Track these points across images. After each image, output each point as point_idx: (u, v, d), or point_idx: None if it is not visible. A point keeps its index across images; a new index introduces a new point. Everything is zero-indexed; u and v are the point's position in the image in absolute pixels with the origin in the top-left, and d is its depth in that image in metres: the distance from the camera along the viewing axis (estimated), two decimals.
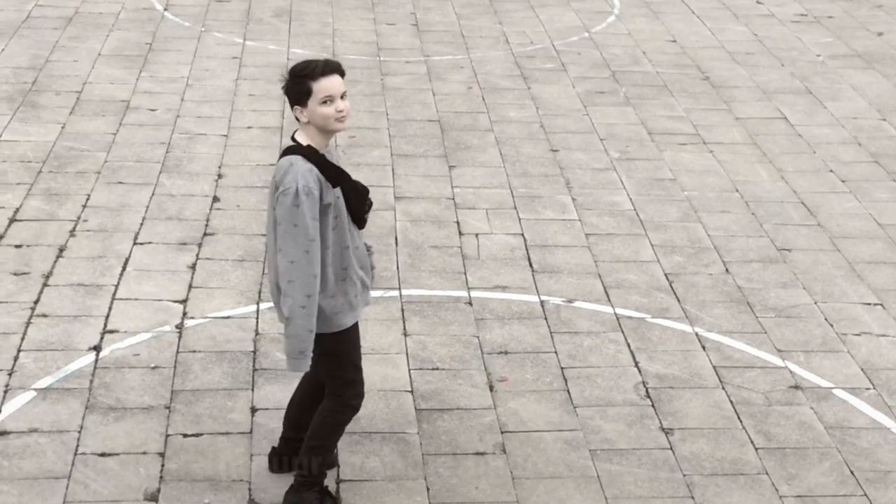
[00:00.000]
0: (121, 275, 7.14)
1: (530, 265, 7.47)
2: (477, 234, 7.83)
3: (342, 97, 4.69)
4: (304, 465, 5.16)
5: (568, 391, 6.21)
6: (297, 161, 4.69)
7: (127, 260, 7.31)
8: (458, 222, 7.98)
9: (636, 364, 6.48)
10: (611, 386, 6.27)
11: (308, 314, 4.71)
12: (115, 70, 10.43)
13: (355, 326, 5.00)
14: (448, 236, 7.79)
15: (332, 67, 4.69)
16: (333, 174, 4.77)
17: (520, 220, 8.06)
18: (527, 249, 7.66)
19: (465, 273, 7.34)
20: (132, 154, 8.80)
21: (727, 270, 7.52)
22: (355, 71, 10.64)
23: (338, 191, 4.79)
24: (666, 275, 7.43)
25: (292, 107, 4.74)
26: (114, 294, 6.92)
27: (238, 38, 11.42)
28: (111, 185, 8.28)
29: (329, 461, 5.38)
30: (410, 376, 6.26)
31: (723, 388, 6.30)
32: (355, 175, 8.55)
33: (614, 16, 12.59)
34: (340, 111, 4.68)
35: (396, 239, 7.72)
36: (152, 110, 9.62)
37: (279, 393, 6.02)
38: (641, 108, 10.13)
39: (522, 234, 7.86)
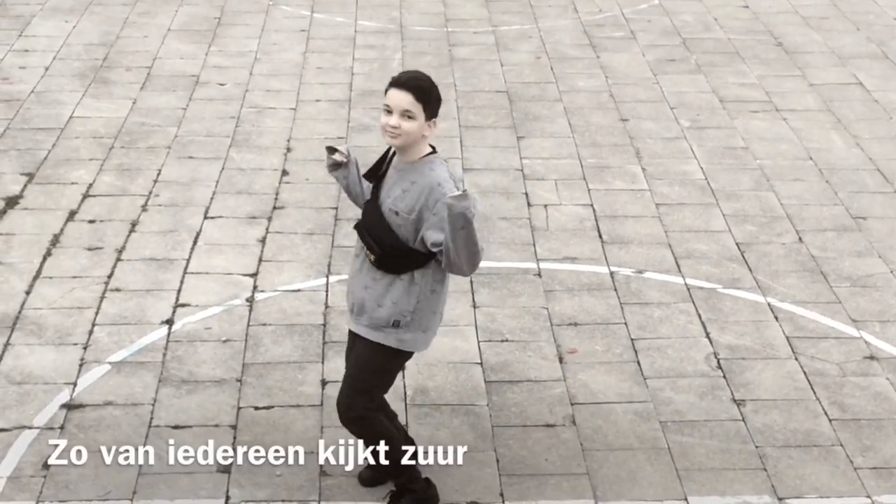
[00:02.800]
0: (192, 249, 7.22)
1: (600, 236, 7.44)
2: (546, 206, 7.81)
3: (402, 115, 4.56)
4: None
5: (638, 362, 6.19)
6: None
7: (198, 234, 7.39)
8: (526, 193, 7.97)
9: (707, 335, 6.44)
10: (681, 357, 6.24)
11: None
12: (184, 45, 10.52)
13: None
14: (517, 208, 7.77)
15: (407, 85, 4.58)
16: (373, 169, 4.77)
17: (589, 190, 8.02)
18: (596, 220, 7.63)
19: (534, 244, 7.33)
20: (202, 129, 8.88)
21: (800, 239, 7.43)
22: (423, 42, 10.63)
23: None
24: (737, 244, 7.36)
25: None
26: (185, 268, 7.01)
27: (306, 10, 11.45)
28: (182, 160, 8.36)
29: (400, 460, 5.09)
30: (480, 348, 6.28)
31: (796, 359, 6.24)
32: None
33: None
34: (392, 126, 4.58)
35: None
36: (221, 85, 9.70)
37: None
38: (713, 76, 10.02)
39: (592, 205, 7.82)
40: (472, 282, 6.89)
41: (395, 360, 4.87)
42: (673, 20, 11.34)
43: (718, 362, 6.21)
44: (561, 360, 6.21)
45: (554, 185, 8.09)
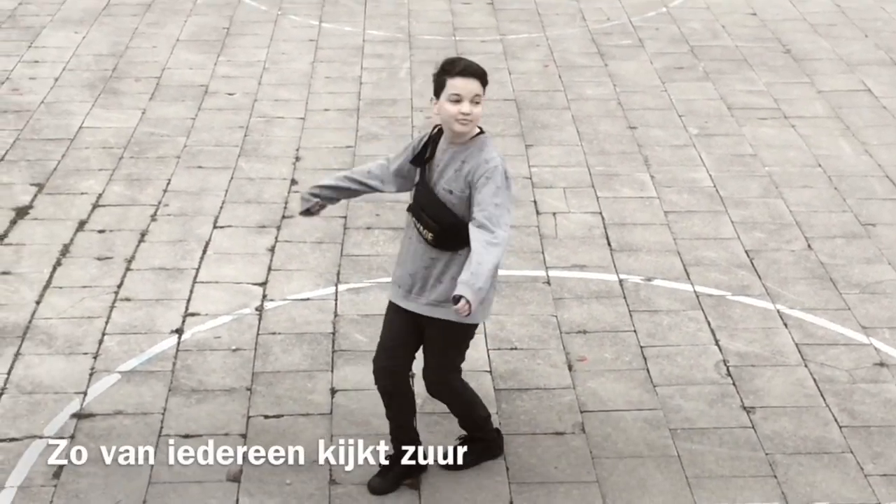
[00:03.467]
0: (201, 258, 7.23)
1: (608, 244, 7.44)
2: (554, 213, 7.81)
3: (473, 101, 4.75)
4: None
5: (647, 370, 6.19)
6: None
7: (207, 243, 7.40)
8: (535, 201, 7.97)
9: (717, 342, 6.43)
10: (691, 364, 6.24)
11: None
12: (193, 55, 10.55)
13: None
14: (525, 216, 7.78)
15: (472, 71, 4.76)
16: (420, 156, 4.97)
17: (598, 198, 8.02)
18: (605, 228, 7.63)
19: (542, 252, 7.33)
20: (211, 138, 8.89)
21: (809, 246, 7.43)
22: (431, 51, 10.64)
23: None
24: (746, 252, 7.35)
25: (431, 97, 4.88)
26: (195, 277, 7.02)
27: (314, 20, 11.48)
28: (191, 170, 8.38)
29: (481, 416, 5.38)
30: (489, 356, 6.28)
31: (805, 366, 6.23)
32: None
33: None
34: (465, 114, 4.75)
35: None
36: (230, 94, 9.72)
37: (358, 374, 6.07)
38: (721, 83, 10.02)
39: (600, 213, 7.82)
40: None
41: (463, 332, 5.06)
42: (681, 28, 11.35)
43: (728, 369, 6.20)
44: (570, 367, 6.20)
45: (562, 192, 8.09)
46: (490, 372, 6.14)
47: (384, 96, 9.64)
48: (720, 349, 6.37)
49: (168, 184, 8.17)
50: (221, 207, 7.85)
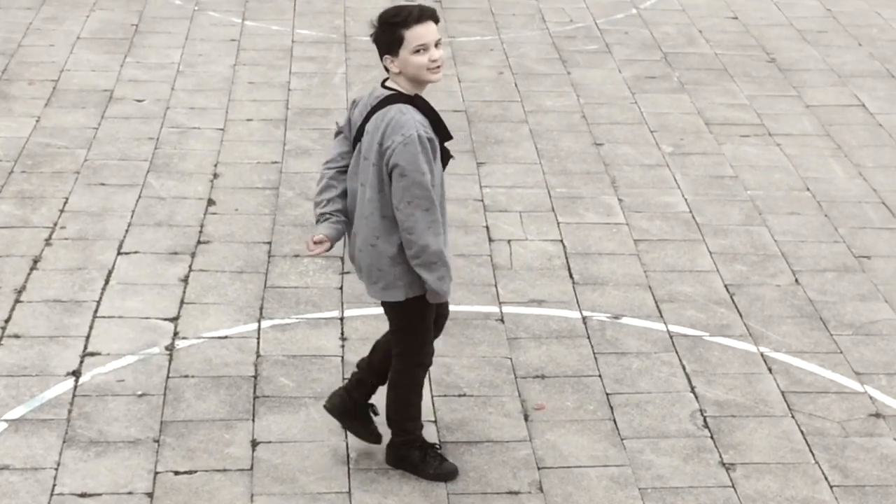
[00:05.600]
0: (103, 289, 7.17)
1: (570, 276, 7.46)
2: (509, 241, 7.83)
3: (437, 45, 5.04)
4: (401, 430, 5.71)
5: (614, 421, 6.20)
6: (409, 110, 5.07)
7: (110, 272, 7.34)
8: (487, 227, 7.98)
9: (692, 389, 6.46)
10: (663, 415, 6.26)
11: (446, 254, 5.19)
12: (96, 55, 10.48)
13: None
14: (476, 243, 7.78)
15: (428, 14, 5.04)
16: (444, 126, 5.19)
17: (558, 224, 8.05)
18: (566, 258, 7.66)
19: (495, 285, 7.34)
20: (116, 151, 8.84)
21: (797, 281, 7.49)
22: (369, 55, 10.65)
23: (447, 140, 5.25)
24: (726, 286, 7.40)
25: (381, 56, 5.08)
26: (95, 311, 6.95)
27: (236, 17, 11.46)
28: (92, 187, 8.32)
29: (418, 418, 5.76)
30: (433, 404, 6.26)
31: (792, 417, 6.27)
32: None
33: None
34: (434, 60, 5.05)
35: None
36: (139, 101, 9.66)
37: (283, 423, 6.03)
38: (698, 95, 10.11)
39: (562, 241, 7.85)
40: None
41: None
42: (653, 32, 11.45)
43: (705, 420, 6.23)
44: (526, 417, 6.20)
45: (518, 217, 8.12)
46: (435, 422, 6.13)
47: (316, 105, 9.63)
48: (696, 397, 6.40)
49: (65, 203, 8.10)
50: (127, 231, 7.79)
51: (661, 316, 7.09)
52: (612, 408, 6.30)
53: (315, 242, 5.25)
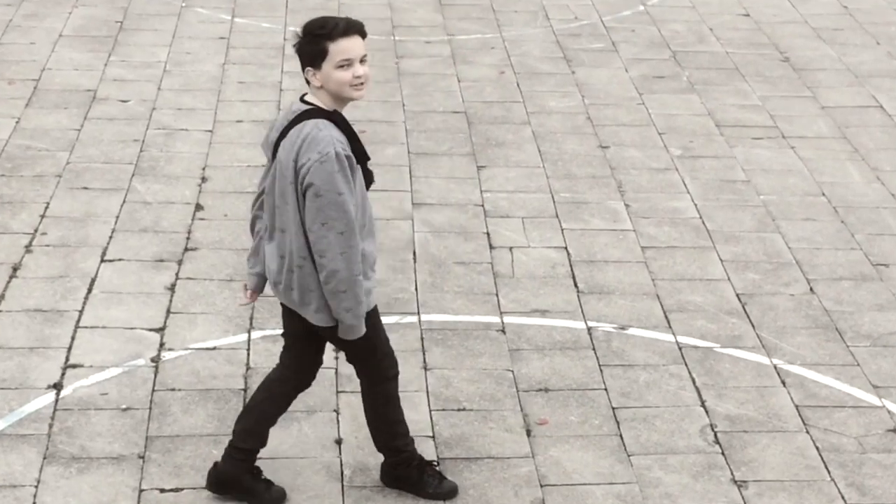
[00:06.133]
0: (86, 298, 7.17)
1: (575, 285, 7.47)
2: (511, 248, 7.84)
3: (362, 61, 5.00)
4: (391, 450, 5.68)
5: (620, 436, 6.20)
6: (327, 126, 5.00)
7: (93, 280, 7.34)
8: (488, 233, 7.99)
9: (703, 403, 6.46)
10: (672, 430, 6.26)
11: (361, 284, 5.10)
12: (79, 54, 10.49)
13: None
14: (476, 250, 7.79)
15: (355, 28, 5.01)
16: (361, 147, 5.11)
17: (562, 230, 8.06)
18: (571, 266, 7.66)
19: (496, 294, 7.35)
20: (99, 154, 8.84)
21: (812, 290, 7.50)
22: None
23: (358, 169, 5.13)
24: (738, 295, 7.41)
25: (304, 68, 5.06)
26: (77, 321, 6.95)
27: (225, 14, 11.47)
28: (74, 191, 8.32)
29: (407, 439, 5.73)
30: (431, 418, 6.26)
31: (807, 432, 6.27)
32: None
33: None
34: (359, 77, 5.00)
35: (415, 254, 7.73)
36: (124, 101, 9.67)
37: (274, 438, 6.03)
38: (708, 96, 10.12)
39: (566, 248, 7.86)
40: (422, 339, 6.89)
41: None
42: (661, 30, 11.46)
43: (716, 436, 6.23)
44: (529, 432, 6.21)
45: (521, 223, 8.12)
46: (433, 437, 6.13)
47: None
48: (707, 412, 6.40)
49: (46, 208, 8.10)
50: (111, 237, 7.80)
51: (670, 326, 7.09)
52: (618, 422, 6.30)
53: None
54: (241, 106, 9.67)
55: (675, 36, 11.34)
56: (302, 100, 5.12)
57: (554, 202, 8.40)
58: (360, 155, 5.09)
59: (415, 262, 7.65)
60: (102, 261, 7.55)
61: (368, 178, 5.21)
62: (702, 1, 12.20)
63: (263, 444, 5.60)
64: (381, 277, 7.37)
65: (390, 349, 5.49)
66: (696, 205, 8.42)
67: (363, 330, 5.18)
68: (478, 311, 7.18)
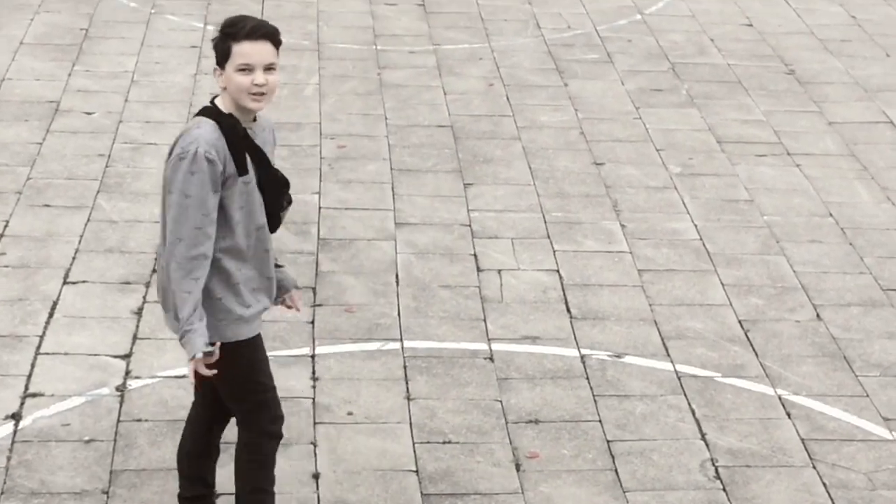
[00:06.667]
0: (47, 323, 7.15)
1: (567, 310, 7.47)
2: (500, 271, 7.84)
3: (267, 69, 4.92)
4: None
5: (616, 471, 6.19)
6: (206, 125, 4.93)
7: (55, 304, 7.32)
8: (475, 255, 7.99)
9: (703, 436, 6.46)
10: (671, 464, 6.25)
11: (189, 301, 4.91)
12: (41, 63, 10.48)
13: (258, 337, 5.20)
14: (463, 273, 7.79)
15: (262, 32, 4.93)
16: (242, 160, 4.95)
17: (554, 252, 8.06)
18: (563, 290, 7.66)
19: (484, 320, 7.34)
20: (62, 169, 8.83)
21: (818, 316, 7.51)
22: (345, 63, 10.68)
23: (250, 175, 4.98)
24: (740, 322, 7.41)
25: (215, 66, 5.01)
26: (38, 347, 6.93)
27: (198, 21, 11.47)
28: (35, 209, 8.30)
29: None
30: (415, 452, 6.25)
31: (813, 467, 6.27)
32: (343, 194, 8.57)
33: None
34: (258, 86, 4.91)
35: (397, 277, 7.72)
36: (88, 114, 9.66)
37: None
38: (709, 111, 10.14)
39: (558, 271, 7.86)
40: (405, 367, 6.87)
41: None
42: (659, 40, 11.49)
43: (717, 471, 6.23)
44: (518, 467, 6.20)
45: (510, 244, 8.12)
46: (416, 472, 6.11)
47: (286, 119, 9.64)
48: (707, 445, 6.40)
49: (5, 227, 8.09)
50: (74, 258, 7.78)
51: (668, 354, 7.09)
52: (613, 456, 6.29)
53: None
54: None
55: (674, 47, 11.36)
56: (211, 101, 5.08)
57: (545, 222, 8.40)
58: (240, 167, 4.95)
59: (397, 285, 7.64)
60: (65, 283, 7.53)
61: (274, 198, 5.07)
62: (702, 10, 12.24)
63: (209, 486, 5.51)
64: (361, 301, 7.37)
65: (272, 401, 5.24)
66: (695, 225, 8.43)
67: (192, 352, 4.91)
68: (464, 338, 7.17)
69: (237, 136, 4.96)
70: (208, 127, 4.93)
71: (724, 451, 6.36)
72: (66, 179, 8.70)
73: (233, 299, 5.04)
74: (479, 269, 7.84)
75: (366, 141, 9.42)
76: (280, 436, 5.29)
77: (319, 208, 8.41)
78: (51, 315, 7.23)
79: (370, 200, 8.58)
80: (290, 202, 5.18)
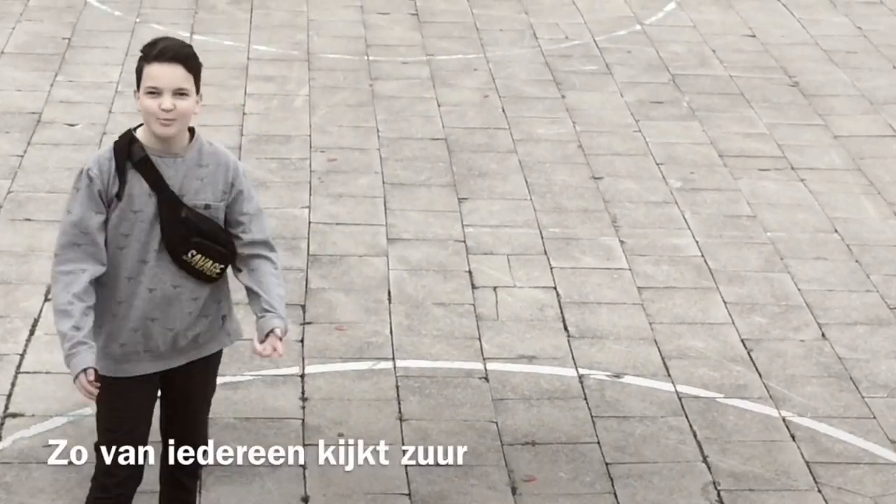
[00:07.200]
0: (28, 341, 7.13)
1: (565, 328, 7.46)
2: (495, 288, 7.83)
3: (177, 94, 4.89)
4: None
5: (615, 494, 6.19)
6: (109, 145, 4.96)
7: (36, 321, 7.31)
8: (470, 272, 7.98)
9: (705, 459, 6.45)
10: (671, 488, 6.25)
11: (62, 315, 4.87)
12: (22, 73, 10.47)
13: (130, 383, 5.04)
14: (457, 290, 7.78)
15: (172, 54, 4.93)
16: (123, 180, 4.89)
17: (551, 269, 8.06)
18: (560, 308, 7.66)
19: (479, 339, 7.33)
20: (44, 182, 8.82)
21: (823, 336, 7.51)
22: (336, 74, 10.68)
23: (151, 202, 4.89)
24: (743, 341, 7.41)
25: (135, 89, 5.04)
26: (18, 366, 6.91)
27: (184, 31, 11.47)
28: (16, 223, 8.29)
29: None
30: (407, 475, 6.24)
31: (819, 491, 6.27)
32: (333, 208, 8.56)
33: (675, 3, 12.66)
34: (166, 111, 4.89)
35: (390, 294, 7.72)
36: (71, 125, 9.65)
37: (234, 497, 6.00)
38: (710, 123, 10.15)
39: (555, 288, 7.85)
40: (397, 387, 6.86)
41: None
42: (659, 51, 11.50)
43: (719, 494, 6.22)
44: (514, 490, 6.19)
45: (506, 261, 8.12)
46: (409, 495, 6.10)
47: (275, 131, 9.63)
48: (709, 468, 6.39)
49: None
50: None
51: (669, 375, 7.09)
52: (612, 479, 6.28)
53: None
54: (201, 131, 9.63)
55: (675, 58, 11.38)
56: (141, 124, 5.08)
57: (542, 238, 8.40)
58: (120, 192, 4.89)
59: (389, 302, 7.63)
60: (46, 299, 7.52)
61: (172, 239, 4.93)
62: (704, 20, 12.25)
63: None
64: (352, 319, 7.36)
65: (115, 454, 5.13)
66: (697, 242, 8.44)
67: (73, 371, 4.80)
68: (458, 357, 7.16)
69: (124, 159, 4.91)
70: (106, 147, 4.97)
71: (727, 474, 6.35)
72: (49, 193, 8.69)
73: (102, 329, 4.96)
74: (473, 286, 7.84)
75: (357, 154, 9.42)
76: (110, 494, 5.16)
77: (309, 223, 8.40)
78: (31, 332, 7.21)
79: (362, 215, 8.57)
80: (206, 253, 4.99)
